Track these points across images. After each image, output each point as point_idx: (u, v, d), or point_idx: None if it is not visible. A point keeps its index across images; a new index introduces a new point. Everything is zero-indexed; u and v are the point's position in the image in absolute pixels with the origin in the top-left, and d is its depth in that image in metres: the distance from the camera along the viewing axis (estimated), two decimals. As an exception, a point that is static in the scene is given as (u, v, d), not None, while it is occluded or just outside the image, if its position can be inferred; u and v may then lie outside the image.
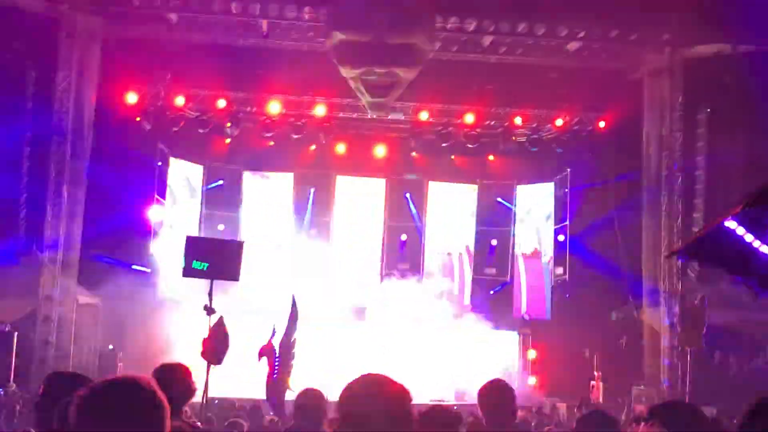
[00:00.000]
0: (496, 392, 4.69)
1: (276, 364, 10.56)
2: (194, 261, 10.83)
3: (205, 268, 10.72)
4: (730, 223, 3.03)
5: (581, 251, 18.81)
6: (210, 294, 10.41)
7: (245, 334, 17.20)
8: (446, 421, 4.33)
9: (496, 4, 16.56)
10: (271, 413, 11.04)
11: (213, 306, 10.30)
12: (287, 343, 10.94)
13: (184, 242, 11.54)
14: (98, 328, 17.43)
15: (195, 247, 11.38)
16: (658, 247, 17.33)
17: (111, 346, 17.42)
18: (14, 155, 16.97)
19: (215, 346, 10.33)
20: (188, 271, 11.16)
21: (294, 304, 10.63)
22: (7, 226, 17.04)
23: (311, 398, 5.59)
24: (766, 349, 17.10)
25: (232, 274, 11.26)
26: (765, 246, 3.25)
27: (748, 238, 3.23)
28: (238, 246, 11.76)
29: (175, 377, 4.43)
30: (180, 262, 11.37)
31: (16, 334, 15.24)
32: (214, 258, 10.85)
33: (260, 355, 11.03)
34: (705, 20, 16.24)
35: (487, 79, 18.07)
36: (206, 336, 10.49)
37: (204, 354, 10.30)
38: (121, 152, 17.58)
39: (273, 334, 11.09)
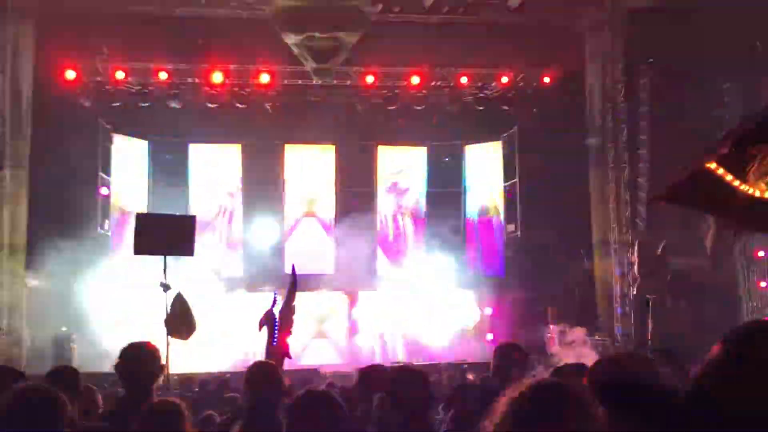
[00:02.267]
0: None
1: (275, 332, 10.56)
2: (145, 237, 10.69)
3: (156, 244, 10.60)
4: (710, 165, 3.06)
5: (531, 207, 18.98)
6: (164, 270, 10.32)
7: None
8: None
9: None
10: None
11: (168, 282, 10.21)
12: (287, 311, 10.94)
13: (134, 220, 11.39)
14: (50, 311, 17.17)
15: (145, 224, 11.23)
16: (606, 198, 17.57)
17: (64, 328, 17.19)
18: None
19: (179, 323, 10.25)
20: (140, 249, 11.03)
21: (294, 273, 10.63)
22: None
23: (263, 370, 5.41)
24: (714, 294, 17.48)
25: (187, 249, 11.16)
26: (744, 185, 3.29)
27: (728, 177, 3.26)
28: (190, 221, 11.63)
29: (143, 356, 4.40)
30: (131, 240, 11.22)
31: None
32: (167, 234, 10.73)
33: (261, 324, 11.03)
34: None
35: (430, 39, 17.99)
36: (168, 313, 10.41)
37: (170, 332, 10.20)
38: (62, 131, 17.21)
39: (274, 303, 11.08)
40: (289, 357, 10.82)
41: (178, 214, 15.66)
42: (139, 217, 11.89)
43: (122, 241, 19.03)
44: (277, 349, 11.89)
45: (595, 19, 17.46)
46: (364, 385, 5.51)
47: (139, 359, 4.37)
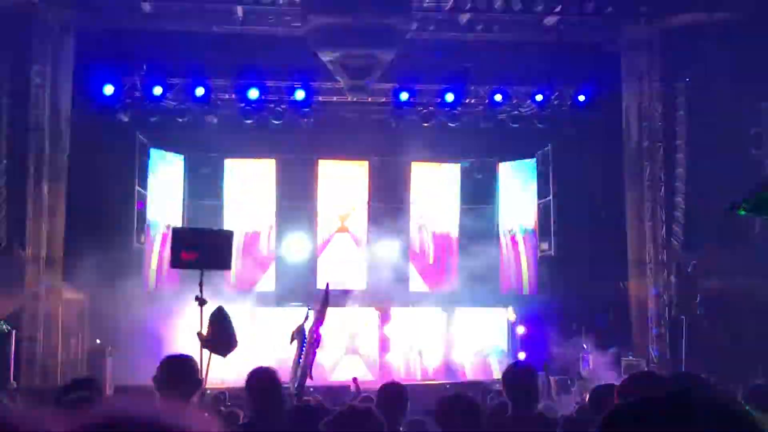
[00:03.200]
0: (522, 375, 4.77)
1: (302, 348, 10.61)
2: (182, 252, 10.79)
3: (194, 259, 10.69)
4: None
5: (565, 225, 18.87)
6: (201, 284, 10.39)
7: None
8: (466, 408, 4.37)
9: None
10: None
11: (204, 296, 10.28)
12: (316, 330, 11.00)
13: (171, 234, 11.52)
14: (86, 324, 17.35)
15: (182, 238, 11.34)
16: (642, 217, 17.43)
17: (98, 341, 17.35)
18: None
19: (219, 338, 10.27)
20: (177, 262, 11.13)
21: (327, 292, 10.66)
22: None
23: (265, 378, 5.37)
24: (752, 315, 17.24)
25: (223, 264, 11.25)
26: None
27: None
28: (227, 235, 11.74)
29: (183, 371, 4.42)
30: (168, 254, 11.35)
31: (15, 332, 15.15)
32: (203, 248, 10.82)
33: (292, 338, 11.10)
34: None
35: (465, 57, 18.03)
36: (207, 328, 10.44)
37: (209, 346, 10.20)
38: (100, 145, 17.45)
39: (306, 318, 11.16)
40: (311, 377, 10.79)
41: (215, 228, 15.78)
42: (177, 231, 12.01)
43: (157, 255, 19.24)
44: (301, 368, 11.91)
45: (632, 37, 17.38)
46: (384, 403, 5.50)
47: (178, 372, 4.39)
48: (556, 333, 18.31)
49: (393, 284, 19.46)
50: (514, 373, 5.10)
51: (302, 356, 12.27)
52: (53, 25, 16.50)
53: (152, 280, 19.00)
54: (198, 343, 10.43)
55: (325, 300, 12.21)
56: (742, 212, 4.95)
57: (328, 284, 12.27)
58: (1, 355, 14.62)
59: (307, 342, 12.49)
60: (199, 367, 4.57)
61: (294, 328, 13.23)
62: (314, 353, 12.55)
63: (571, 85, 18.60)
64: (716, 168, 15.99)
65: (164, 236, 19.36)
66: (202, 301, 10.25)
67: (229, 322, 10.50)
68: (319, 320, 12.67)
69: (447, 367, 19.54)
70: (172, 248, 11.25)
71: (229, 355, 10.47)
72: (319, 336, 12.62)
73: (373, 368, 19.22)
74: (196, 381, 4.46)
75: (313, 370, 18.43)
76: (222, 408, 9.54)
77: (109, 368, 16.11)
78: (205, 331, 10.12)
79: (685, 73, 17.28)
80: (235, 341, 10.42)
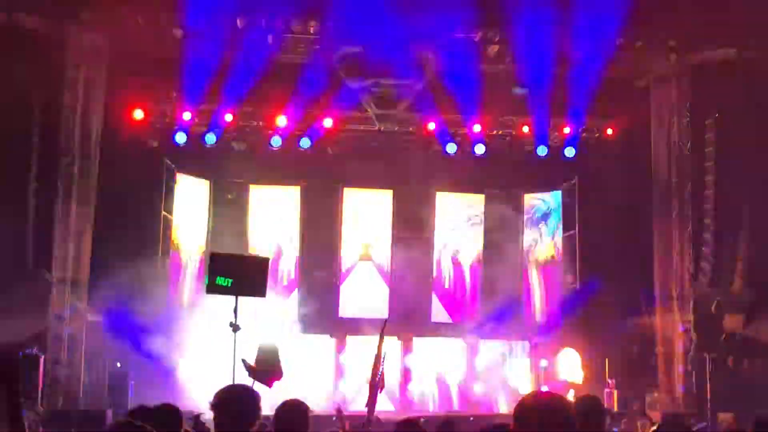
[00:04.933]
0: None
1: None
2: (218, 277, 10.83)
3: (229, 284, 10.72)
4: None
5: (591, 259, 18.77)
6: (235, 311, 10.44)
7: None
8: None
9: (500, 14, 16.56)
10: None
11: (238, 323, 10.33)
12: (378, 366, 11.14)
13: (205, 259, 11.59)
14: (109, 348, 17.35)
15: (219, 264, 11.38)
16: (669, 253, 17.31)
17: (119, 365, 17.36)
18: (21, 175, 16.92)
19: (266, 369, 10.30)
20: (212, 288, 11.17)
21: (384, 328, 10.79)
22: (16, 246, 16.97)
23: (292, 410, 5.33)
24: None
25: (258, 291, 11.29)
26: None
27: None
28: (262, 262, 11.78)
29: (243, 398, 4.39)
30: (204, 279, 11.41)
31: (43, 357, 15.17)
32: (239, 274, 10.87)
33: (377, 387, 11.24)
34: (710, 25, 16.29)
35: (493, 88, 18.06)
36: (256, 358, 10.45)
37: (256, 377, 10.22)
38: (127, 169, 17.55)
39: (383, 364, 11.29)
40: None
41: (251, 254, 15.80)
42: (214, 257, 12.05)
43: (181, 280, 19.27)
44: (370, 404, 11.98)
45: (661, 72, 17.36)
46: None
47: (237, 401, 4.35)
48: (580, 367, 18.19)
49: (415, 314, 19.41)
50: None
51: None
52: (86, 50, 16.64)
53: (182, 302, 19.03)
54: (231, 371, 10.46)
55: (381, 338, 12.30)
56: None
57: (386, 320, 12.37)
58: (29, 378, 14.60)
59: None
60: (260, 398, 4.51)
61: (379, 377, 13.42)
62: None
63: (600, 118, 18.59)
64: (744, 205, 15.90)
65: (190, 261, 19.44)
66: (236, 328, 10.30)
67: (277, 353, 10.53)
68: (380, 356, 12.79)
69: (467, 399, 19.40)
70: (209, 273, 11.30)
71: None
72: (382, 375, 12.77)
73: (394, 399, 19.10)
74: (255, 411, 4.39)
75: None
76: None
77: (132, 392, 16.12)
78: (253, 361, 10.17)
79: (715, 109, 17.22)
80: (281, 372, 10.45)
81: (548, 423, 2.90)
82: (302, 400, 5.19)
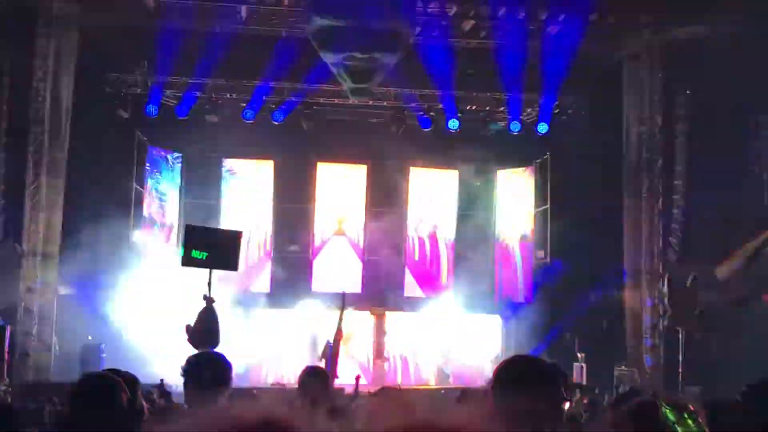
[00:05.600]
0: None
1: (329, 358, 10.75)
2: (193, 250, 10.79)
3: (204, 257, 10.70)
4: None
5: (562, 234, 18.90)
6: (209, 284, 10.43)
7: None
8: None
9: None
10: None
11: (212, 295, 10.32)
12: (337, 338, 11.12)
13: (183, 232, 11.55)
14: (80, 320, 17.25)
15: (195, 237, 11.34)
16: (639, 228, 17.49)
17: (90, 337, 17.29)
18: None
19: (203, 334, 10.30)
20: (188, 261, 11.14)
21: (343, 300, 10.77)
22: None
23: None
24: (745, 329, 17.32)
25: (232, 264, 11.27)
26: None
27: None
28: (236, 236, 11.75)
29: (213, 365, 4.39)
30: (178, 251, 11.36)
31: (8, 328, 15.04)
32: (213, 248, 10.84)
33: (322, 357, 11.22)
34: (683, 2, 16.39)
35: (467, 63, 18.08)
36: (194, 324, 10.48)
37: (191, 341, 10.26)
38: (99, 141, 17.41)
39: (329, 348, 11.26)
40: (337, 377, 10.99)
41: (224, 228, 15.75)
42: (190, 229, 11.99)
43: (152, 252, 19.17)
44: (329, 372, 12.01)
45: (634, 49, 17.46)
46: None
47: (207, 368, 4.35)
48: (549, 341, 18.36)
49: (388, 289, 19.48)
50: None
51: (331, 365, 12.39)
52: (57, 19, 16.42)
53: (148, 277, 18.94)
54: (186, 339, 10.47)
55: (341, 310, 12.29)
56: None
57: (344, 293, 12.35)
58: None
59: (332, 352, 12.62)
60: (231, 366, 4.50)
61: (322, 350, 13.44)
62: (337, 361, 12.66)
63: (572, 95, 18.68)
64: (715, 181, 16.06)
65: (162, 234, 19.36)
66: (210, 300, 10.28)
67: (217, 320, 10.54)
68: (339, 330, 12.76)
69: (440, 372, 19.55)
70: (185, 246, 11.27)
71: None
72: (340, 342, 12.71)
73: (366, 372, 19.19)
74: (225, 379, 4.39)
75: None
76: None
77: (103, 365, 16.04)
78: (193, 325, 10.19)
79: (686, 86, 17.36)
80: (218, 340, 10.45)
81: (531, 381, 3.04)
82: (274, 372, 5.41)
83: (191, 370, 4.34)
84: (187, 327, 10.63)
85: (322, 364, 12.04)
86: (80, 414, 3.22)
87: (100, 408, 3.21)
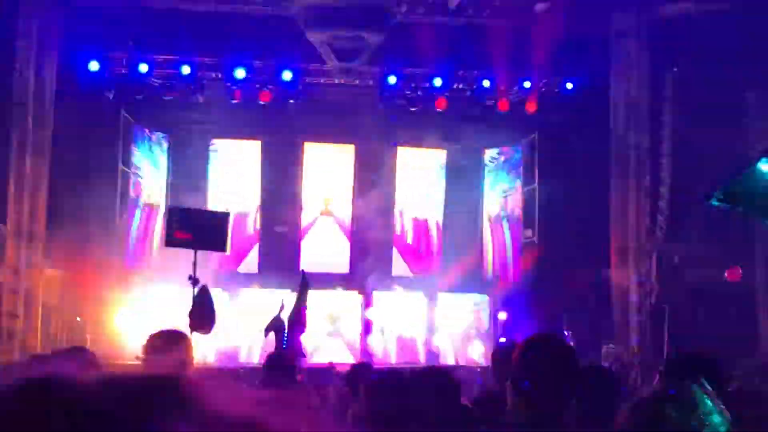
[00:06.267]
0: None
1: (284, 337, 10.64)
2: (177, 230, 10.77)
3: (189, 239, 10.70)
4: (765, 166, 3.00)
5: (550, 213, 18.91)
6: (194, 264, 10.41)
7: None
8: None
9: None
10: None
11: (197, 276, 10.31)
12: (297, 314, 11.05)
13: (166, 212, 11.53)
14: (67, 301, 17.23)
15: (178, 217, 11.32)
16: (626, 206, 17.47)
17: (78, 318, 17.26)
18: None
19: (201, 317, 10.29)
20: (171, 241, 11.12)
21: (304, 278, 10.75)
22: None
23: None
24: (732, 307, 17.37)
25: (219, 245, 11.27)
26: None
27: None
28: (224, 217, 11.73)
29: (172, 346, 4.32)
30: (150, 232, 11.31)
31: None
32: (199, 228, 10.83)
33: (267, 330, 11.10)
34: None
35: (454, 42, 17.98)
36: (191, 307, 10.46)
37: (192, 325, 10.25)
38: (84, 122, 17.31)
39: (281, 308, 11.16)
40: (304, 356, 10.84)
41: (211, 209, 15.73)
42: (172, 210, 11.97)
43: (139, 233, 19.13)
44: (289, 351, 12.00)
45: (621, 26, 17.37)
46: (351, 385, 5.51)
47: (167, 347, 4.31)
48: (537, 320, 18.37)
49: (376, 269, 19.46)
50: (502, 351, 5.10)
51: (285, 344, 12.30)
52: (38, 2, 16.27)
53: (134, 258, 18.90)
54: (181, 321, 10.43)
55: (303, 287, 12.24)
56: (715, 202, 4.98)
57: (303, 271, 12.32)
58: None
59: (289, 328, 12.49)
60: (191, 343, 4.46)
61: (269, 320, 13.22)
62: (299, 337, 12.54)
63: (559, 73, 18.61)
64: (702, 158, 16.04)
65: (147, 215, 19.28)
66: (195, 281, 10.27)
67: (212, 302, 10.53)
68: (302, 306, 12.68)
69: (428, 351, 19.57)
70: (167, 227, 11.28)
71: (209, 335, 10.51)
72: (304, 320, 12.59)
73: (354, 351, 19.23)
74: (187, 358, 4.34)
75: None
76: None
77: (90, 346, 16.01)
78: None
79: (673, 63, 17.31)
80: (214, 321, 10.46)
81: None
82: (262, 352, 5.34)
83: (149, 349, 4.29)
84: (189, 312, 10.60)
85: (270, 338, 11.87)
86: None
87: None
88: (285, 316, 12.69)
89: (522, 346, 3.13)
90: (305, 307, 12.30)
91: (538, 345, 3.13)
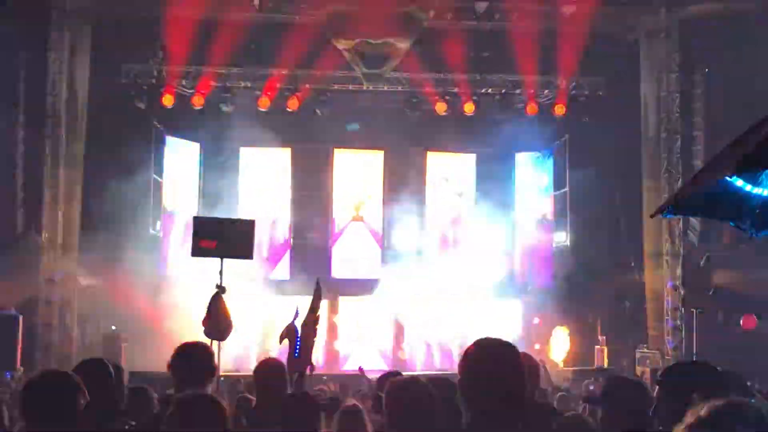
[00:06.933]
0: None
1: (297, 344, 10.64)
2: (202, 240, 10.87)
3: (214, 248, 10.78)
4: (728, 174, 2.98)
5: (582, 217, 18.77)
6: (221, 273, 10.49)
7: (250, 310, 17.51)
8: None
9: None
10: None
11: (224, 284, 10.38)
12: (310, 323, 11.03)
13: (192, 222, 11.62)
14: (101, 311, 17.40)
15: (203, 227, 11.41)
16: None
17: (114, 327, 17.43)
18: (9, 139, 16.89)
19: (215, 323, 10.35)
20: (196, 251, 11.21)
21: (318, 286, 10.76)
22: (5, 211, 16.99)
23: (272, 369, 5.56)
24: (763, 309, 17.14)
25: (244, 253, 11.33)
26: (758, 188, 3.22)
27: (740, 183, 3.20)
28: (248, 224, 11.79)
29: (197, 357, 4.41)
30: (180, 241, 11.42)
31: (21, 317, 15.18)
32: (224, 237, 10.91)
33: (281, 338, 11.10)
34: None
35: (483, 46, 17.94)
36: (206, 314, 10.54)
37: (207, 332, 10.33)
38: (116, 132, 17.49)
39: (296, 316, 11.17)
40: (312, 366, 10.81)
41: (236, 217, 15.81)
42: (197, 221, 12.07)
43: (172, 242, 19.28)
44: (300, 360, 12.01)
45: (650, 27, 17.23)
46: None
47: (192, 358, 4.38)
48: (571, 324, 18.27)
49: (407, 274, 19.40)
50: None
51: (297, 352, 12.26)
52: (71, 12, 16.52)
53: (167, 266, 19.04)
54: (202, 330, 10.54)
55: (316, 294, 12.25)
56: (668, 215, 4.90)
57: (318, 279, 12.33)
58: (8, 339, 14.67)
59: (302, 336, 12.46)
60: (213, 353, 4.55)
61: (283, 328, 13.26)
62: (313, 344, 12.53)
63: (589, 75, 18.48)
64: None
65: (180, 223, 19.41)
66: (222, 289, 10.34)
67: (225, 307, 10.58)
68: (315, 314, 12.65)
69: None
70: (193, 237, 11.36)
71: (226, 341, 10.57)
72: (316, 328, 12.57)
73: (385, 357, 19.22)
74: (210, 368, 4.45)
75: (326, 359, 18.57)
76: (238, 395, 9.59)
77: (124, 354, 16.17)
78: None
79: (704, 64, 17.13)
80: (230, 327, 10.50)
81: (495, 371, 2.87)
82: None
83: (175, 363, 4.39)
84: (204, 320, 10.70)
85: (282, 347, 11.82)
86: (29, 414, 3.18)
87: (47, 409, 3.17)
88: (299, 324, 12.72)
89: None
90: (317, 315, 12.32)
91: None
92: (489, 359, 2.89)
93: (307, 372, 10.95)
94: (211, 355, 4.52)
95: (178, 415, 3.21)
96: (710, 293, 15.77)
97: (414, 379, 4.30)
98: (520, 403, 2.92)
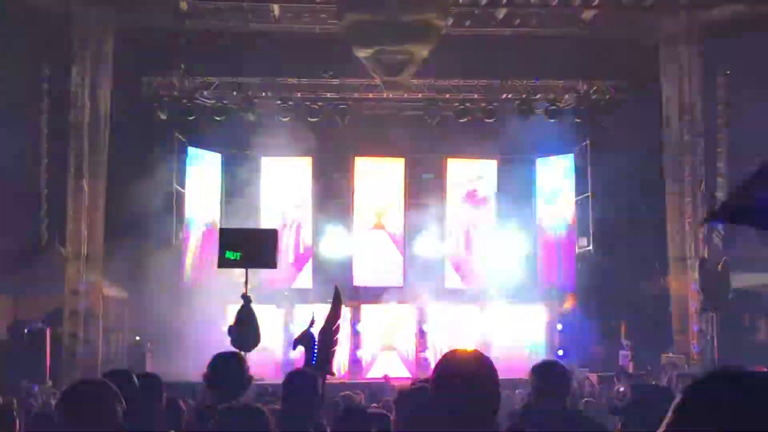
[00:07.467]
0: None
1: (314, 352, 10.63)
2: (227, 251, 10.98)
3: (238, 258, 10.88)
4: None
5: (605, 221, 18.68)
6: (246, 283, 10.59)
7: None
8: None
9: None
10: None
11: (249, 294, 10.47)
12: (329, 331, 11.03)
13: (214, 232, 11.77)
14: (126, 321, 17.52)
15: (228, 238, 11.55)
16: (683, 213, 17.21)
17: (138, 338, 17.53)
18: (33, 152, 17.06)
19: (244, 333, 10.42)
20: (223, 262, 11.34)
21: (337, 294, 10.78)
22: (30, 222, 17.14)
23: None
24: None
25: (268, 262, 11.43)
26: None
27: None
28: (272, 234, 11.90)
29: (233, 367, 4.42)
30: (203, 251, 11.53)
31: (48, 330, 15.29)
32: (248, 247, 11.02)
33: (295, 344, 11.12)
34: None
35: (502, 52, 17.92)
36: (233, 324, 10.61)
37: (234, 342, 10.40)
38: (139, 143, 17.63)
39: (312, 324, 11.18)
40: (332, 374, 10.79)
41: (260, 228, 15.90)
42: (223, 232, 12.21)
43: (195, 252, 19.38)
44: (317, 368, 11.99)
45: (671, 31, 17.15)
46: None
47: (228, 369, 4.40)
48: (595, 329, 18.17)
49: (430, 281, 19.40)
50: (541, 366, 4.96)
51: (314, 360, 12.25)
52: (93, 25, 16.66)
53: (188, 276, 19.12)
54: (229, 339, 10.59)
55: (336, 301, 12.28)
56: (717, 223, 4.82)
57: (336, 286, 12.37)
58: (37, 352, 14.76)
59: (319, 343, 12.45)
60: (247, 363, 4.58)
61: (298, 334, 13.29)
62: (333, 352, 12.53)
63: (610, 80, 18.42)
64: (757, 161, 15.69)
65: (203, 234, 19.51)
66: (247, 299, 10.44)
67: (254, 318, 10.66)
68: (335, 322, 12.63)
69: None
70: (219, 248, 11.51)
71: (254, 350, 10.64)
72: (336, 336, 12.56)
73: (409, 364, 19.21)
74: (246, 377, 4.46)
75: (351, 366, 18.58)
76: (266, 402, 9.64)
77: (149, 364, 16.26)
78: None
79: (725, 67, 17.03)
80: (258, 338, 10.57)
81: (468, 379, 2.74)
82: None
83: (209, 375, 4.41)
84: (230, 329, 10.78)
85: (298, 352, 11.81)
86: (65, 423, 3.20)
87: (86, 418, 3.18)
88: (315, 331, 12.71)
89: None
90: (338, 323, 12.32)
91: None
92: (457, 372, 2.74)
93: (325, 379, 10.99)
94: (245, 364, 4.55)
95: (227, 426, 3.23)
96: (729, 297, 15.62)
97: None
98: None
